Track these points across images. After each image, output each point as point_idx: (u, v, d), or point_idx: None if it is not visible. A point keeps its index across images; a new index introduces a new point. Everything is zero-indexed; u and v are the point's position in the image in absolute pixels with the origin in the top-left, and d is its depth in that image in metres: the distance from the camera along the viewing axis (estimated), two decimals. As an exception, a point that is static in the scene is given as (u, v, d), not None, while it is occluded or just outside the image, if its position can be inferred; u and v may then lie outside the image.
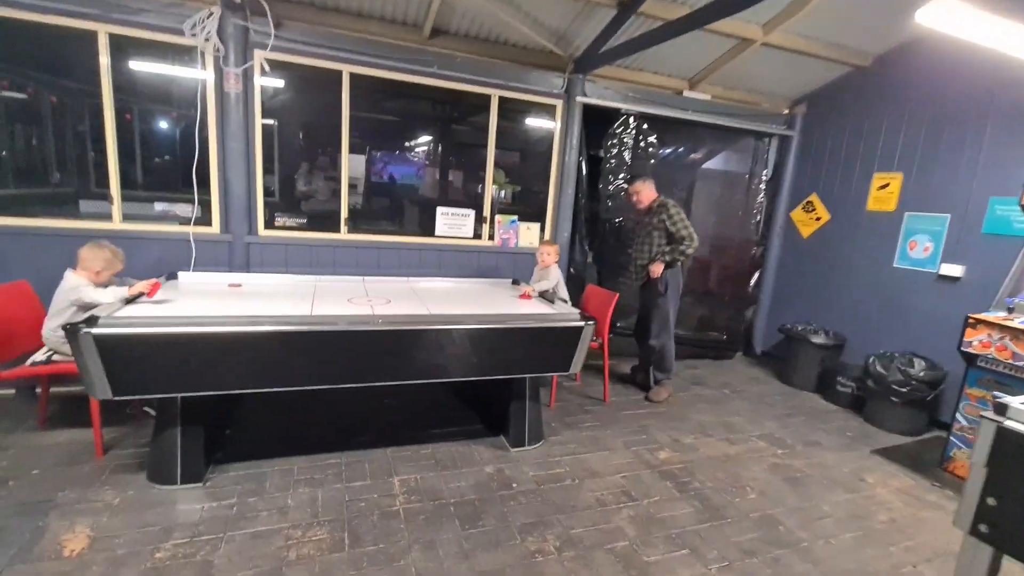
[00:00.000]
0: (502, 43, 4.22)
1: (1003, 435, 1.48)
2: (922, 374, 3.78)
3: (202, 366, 2.32)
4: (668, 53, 4.23)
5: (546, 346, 2.98)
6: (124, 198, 3.52)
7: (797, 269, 5.25)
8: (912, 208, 4.23)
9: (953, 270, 3.90)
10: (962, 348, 3.21)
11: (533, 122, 4.58)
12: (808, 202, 5.11)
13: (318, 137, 4.26)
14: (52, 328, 2.68)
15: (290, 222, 3.98)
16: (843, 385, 4.36)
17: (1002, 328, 3.03)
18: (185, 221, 3.65)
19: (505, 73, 4.22)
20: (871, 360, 4.03)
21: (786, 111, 5.20)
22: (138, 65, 3.43)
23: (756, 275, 5.46)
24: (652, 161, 4.86)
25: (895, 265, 4.35)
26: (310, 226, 4.05)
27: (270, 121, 3.81)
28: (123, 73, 3.40)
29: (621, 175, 4.76)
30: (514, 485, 2.78)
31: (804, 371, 4.70)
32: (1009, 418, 1.50)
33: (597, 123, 4.63)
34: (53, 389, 3.20)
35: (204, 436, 2.60)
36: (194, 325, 2.29)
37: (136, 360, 2.24)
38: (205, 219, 3.70)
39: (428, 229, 4.38)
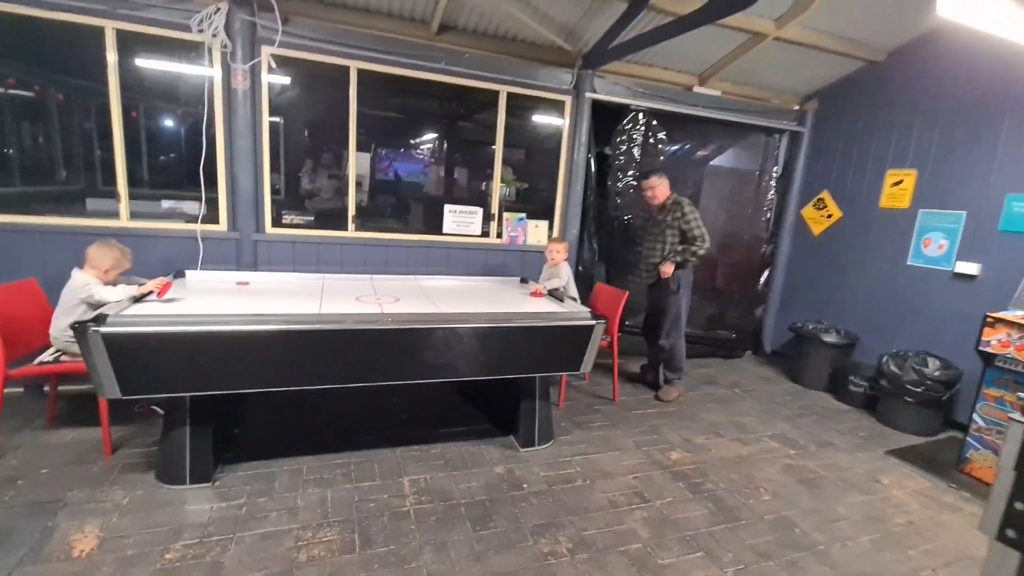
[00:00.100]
0: (511, 39, 4.17)
1: (1034, 438, 1.44)
2: (937, 373, 3.73)
3: (211, 365, 2.30)
4: (678, 48, 4.17)
5: (557, 345, 2.95)
6: (131, 196, 3.50)
7: (808, 267, 5.19)
8: (926, 205, 4.17)
9: (969, 268, 3.84)
10: (980, 348, 3.16)
11: (541, 119, 4.54)
12: (819, 199, 5.05)
13: (325, 134, 4.24)
14: (61, 328, 2.67)
15: (297, 220, 3.96)
16: (855, 385, 4.30)
17: (1022, 327, 2.97)
18: (192, 219, 3.63)
19: (514, 69, 4.18)
20: (884, 359, 3.97)
21: (797, 107, 5.14)
22: (145, 62, 3.41)
23: (766, 273, 5.40)
24: (661, 158, 4.81)
25: (909, 263, 4.28)
26: (317, 224, 4.03)
27: (277, 119, 3.79)
28: (130, 70, 3.37)
29: (630, 172, 4.71)
30: (525, 486, 2.75)
31: (815, 370, 4.65)
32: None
33: (605, 119, 4.58)
34: (61, 387, 3.20)
35: (213, 436, 2.58)
36: (203, 324, 2.27)
37: (145, 359, 2.22)
38: (212, 217, 3.68)
39: (435, 227, 4.35)
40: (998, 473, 1.52)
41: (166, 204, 3.66)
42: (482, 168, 4.62)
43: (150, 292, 2.64)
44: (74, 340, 2.22)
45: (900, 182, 4.36)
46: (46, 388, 3.17)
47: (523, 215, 4.54)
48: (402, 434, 3.15)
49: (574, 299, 3.57)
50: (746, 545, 2.43)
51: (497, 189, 4.41)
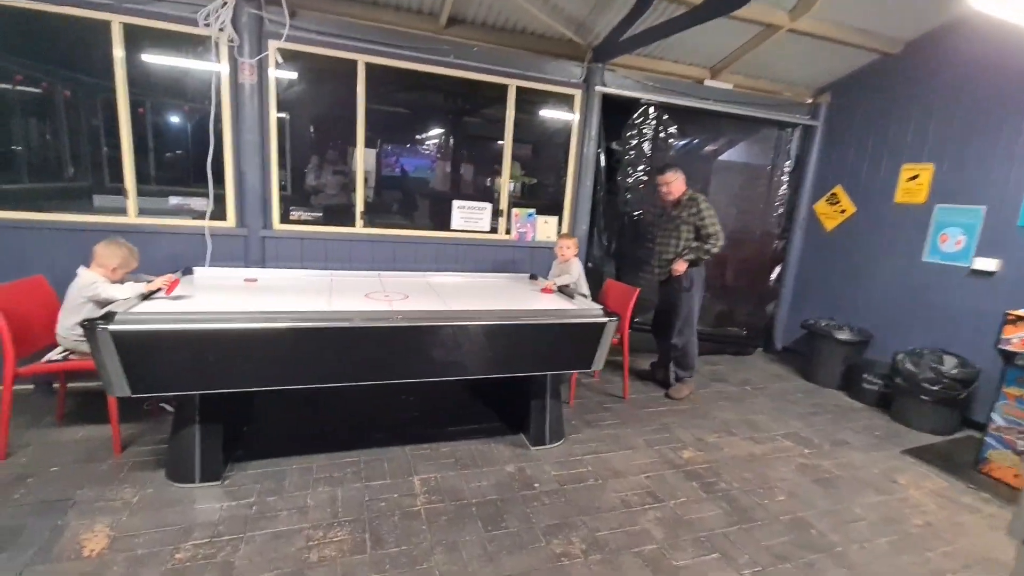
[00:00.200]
0: (520, 32, 4.12)
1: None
2: (954, 371, 3.66)
3: (221, 363, 2.27)
4: (690, 41, 4.10)
5: (569, 343, 2.91)
6: (138, 192, 3.49)
7: (820, 263, 5.12)
8: (944, 200, 4.09)
9: (987, 264, 3.76)
10: (1000, 346, 3.09)
11: (550, 113, 4.48)
12: (832, 194, 4.97)
13: (332, 130, 4.20)
14: (68, 327, 2.65)
15: (305, 216, 3.93)
16: (869, 383, 4.24)
17: (1044, 325, 2.90)
18: (200, 215, 3.61)
19: (523, 63, 4.13)
20: (900, 357, 3.91)
21: (810, 100, 5.05)
22: (152, 57, 3.38)
23: (777, 269, 5.34)
24: (671, 152, 4.74)
25: (925, 259, 4.21)
26: (325, 220, 4.00)
27: (283, 114, 3.76)
28: (137, 66, 3.35)
29: (640, 167, 4.65)
30: (536, 485, 2.72)
31: (828, 368, 4.58)
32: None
33: (614, 114, 4.52)
34: (70, 384, 3.19)
35: (222, 434, 2.56)
36: (213, 322, 2.25)
37: (155, 357, 2.19)
38: (220, 213, 3.66)
39: (443, 223, 4.31)
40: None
41: (173, 201, 3.64)
42: (490, 163, 4.57)
43: (158, 289, 2.62)
44: (82, 339, 2.21)
45: (916, 177, 4.28)
46: (55, 385, 3.17)
47: (532, 211, 4.50)
48: (412, 432, 3.13)
49: (585, 296, 3.53)
50: (762, 546, 2.39)
51: (506, 185, 4.37)
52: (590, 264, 4.76)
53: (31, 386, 3.31)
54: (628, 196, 4.72)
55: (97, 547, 2.06)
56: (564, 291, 3.49)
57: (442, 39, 3.89)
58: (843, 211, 4.88)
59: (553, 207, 4.62)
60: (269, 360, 2.37)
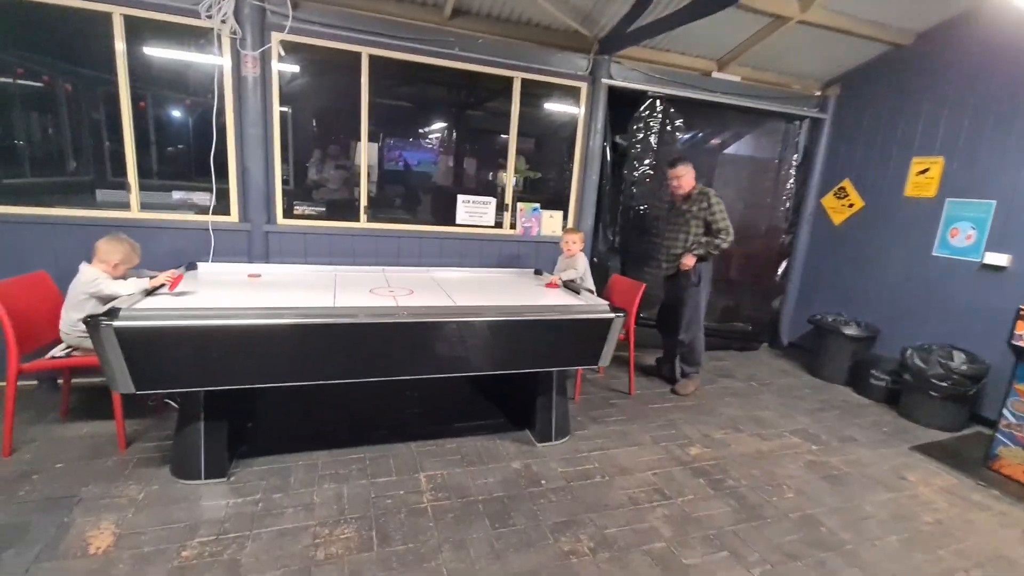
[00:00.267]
0: (525, 23, 4.06)
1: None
2: (964, 367, 3.62)
3: (225, 359, 2.25)
4: (697, 32, 4.04)
5: (575, 338, 2.88)
6: (141, 187, 3.46)
7: (827, 258, 5.07)
8: (954, 194, 4.03)
9: (998, 259, 3.71)
10: (1012, 341, 3.06)
11: (556, 106, 4.43)
12: (840, 188, 4.92)
13: (335, 123, 4.16)
14: (71, 323, 2.63)
15: (309, 210, 3.90)
16: (877, 378, 4.21)
17: (1058, 321, 2.86)
18: (203, 210, 3.58)
19: (528, 55, 4.07)
20: (908, 353, 3.87)
21: (819, 93, 4.99)
22: (154, 50, 3.34)
23: (784, 264, 5.29)
24: (678, 145, 4.69)
25: (934, 254, 4.16)
26: (329, 215, 3.97)
27: (286, 108, 3.71)
28: (139, 59, 3.31)
29: (646, 160, 4.60)
30: (543, 482, 2.70)
31: (835, 363, 4.55)
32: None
33: (620, 107, 4.47)
34: (75, 380, 3.18)
35: (227, 430, 2.54)
36: (218, 318, 2.22)
37: (158, 354, 2.17)
38: (223, 208, 3.63)
39: (447, 218, 4.28)
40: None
41: (177, 195, 3.62)
42: (494, 157, 4.53)
43: (162, 285, 2.60)
44: (85, 335, 2.19)
45: (926, 170, 4.22)
46: (60, 381, 3.15)
47: (537, 205, 4.46)
48: (417, 428, 3.11)
49: (591, 291, 3.50)
50: (772, 544, 2.36)
51: (511, 179, 4.32)
52: (595, 259, 4.73)
53: (35, 382, 3.30)
54: (634, 190, 4.68)
55: (103, 544, 2.05)
56: (569, 286, 3.46)
57: (446, 30, 3.84)
58: (851, 205, 4.83)
59: (558, 201, 4.58)
60: (274, 357, 2.35)
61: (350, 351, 2.47)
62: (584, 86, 4.32)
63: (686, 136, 4.83)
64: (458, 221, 4.27)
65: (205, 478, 2.48)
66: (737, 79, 4.65)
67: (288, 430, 3.04)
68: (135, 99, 3.33)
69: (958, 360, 3.71)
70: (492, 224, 4.36)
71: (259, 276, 3.26)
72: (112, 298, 2.50)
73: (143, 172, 3.46)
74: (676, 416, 3.63)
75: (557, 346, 2.86)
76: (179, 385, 2.30)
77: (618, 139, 4.65)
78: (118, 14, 3.17)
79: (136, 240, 2.84)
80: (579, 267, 3.71)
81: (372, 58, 3.71)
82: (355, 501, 2.42)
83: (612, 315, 2.85)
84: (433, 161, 4.97)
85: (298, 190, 3.95)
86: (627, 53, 4.26)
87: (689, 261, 3.73)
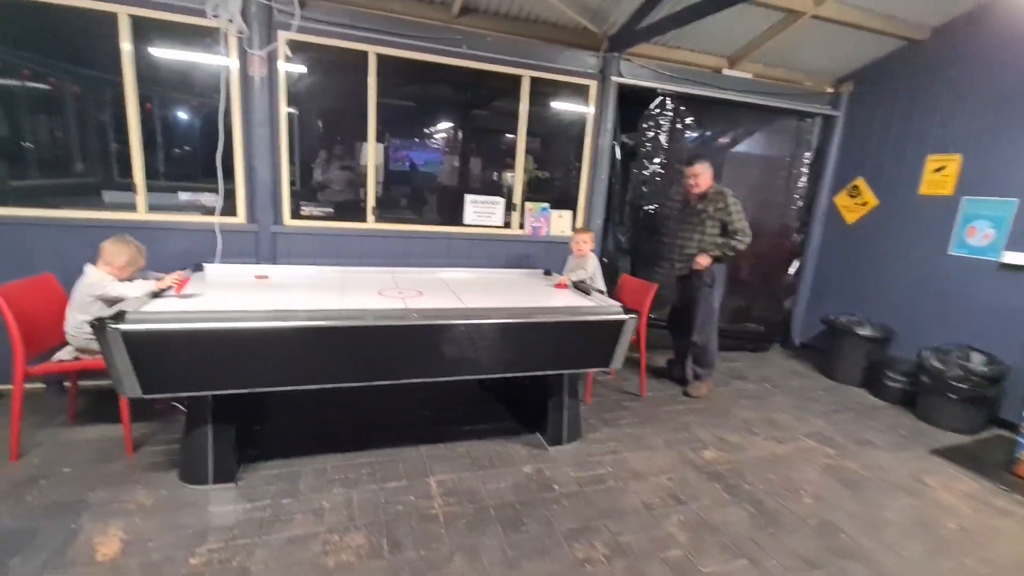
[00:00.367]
0: (533, 20, 4.01)
1: None
2: (983, 368, 3.55)
3: (234, 363, 2.22)
4: (708, 28, 3.97)
5: (587, 340, 2.83)
6: (148, 188, 3.43)
7: (840, 257, 4.99)
8: (972, 192, 3.95)
9: (1019, 258, 3.63)
10: (1036, 343, 2.98)
11: (565, 105, 4.38)
12: (854, 186, 4.84)
13: (342, 123, 4.13)
14: (76, 325, 2.60)
15: (316, 211, 3.87)
16: (892, 380, 4.13)
17: (1084, 322, 2.79)
18: (210, 211, 3.55)
19: (537, 53, 4.02)
20: (925, 354, 3.80)
21: (831, 89, 4.91)
22: (160, 51, 3.31)
23: (796, 263, 5.22)
24: (689, 144, 4.63)
25: (950, 253, 4.08)
26: (336, 215, 3.94)
27: (292, 109, 3.68)
28: (145, 60, 3.28)
29: (656, 159, 4.55)
30: (555, 487, 2.65)
31: (849, 365, 4.48)
32: None
33: (629, 105, 4.41)
34: (82, 383, 3.15)
35: (235, 434, 2.51)
36: (226, 321, 2.18)
37: (166, 357, 2.14)
38: (230, 209, 3.60)
39: (455, 218, 4.23)
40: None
41: (183, 196, 3.59)
42: (502, 157, 4.48)
43: (168, 287, 2.57)
44: (91, 337, 2.16)
45: (942, 168, 4.14)
46: (67, 384, 3.13)
47: (546, 205, 4.41)
48: (426, 432, 3.07)
49: (601, 292, 3.45)
50: (791, 552, 2.31)
51: (520, 179, 4.27)
52: (605, 259, 4.67)
53: (43, 385, 3.28)
54: (644, 189, 4.62)
55: (111, 551, 2.02)
56: (579, 287, 3.41)
57: (454, 28, 3.80)
58: (865, 204, 4.75)
59: (567, 201, 4.53)
60: (282, 360, 2.31)
61: (359, 354, 2.43)
62: (594, 84, 4.26)
63: (697, 134, 4.76)
64: (466, 221, 4.23)
65: (213, 483, 2.44)
66: (748, 76, 4.59)
67: (296, 434, 3.00)
68: (142, 100, 3.30)
69: (976, 361, 3.63)
70: (500, 224, 4.31)
71: (266, 278, 3.22)
72: (118, 300, 2.47)
73: (150, 173, 3.43)
74: (689, 419, 3.57)
75: (568, 348, 2.81)
76: (186, 389, 2.27)
77: (624, 138, 4.59)
78: (124, 14, 3.15)
79: (143, 241, 2.81)
80: (589, 268, 3.66)
81: (379, 57, 3.67)
82: (365, 507, 2.38)
83: (625, 316, 2.79)
84: (440, 161, 4.93)
85: (306, 191, 3.92)
86: (637, 51, 4.20)
87: (704, 260, 3.66)
